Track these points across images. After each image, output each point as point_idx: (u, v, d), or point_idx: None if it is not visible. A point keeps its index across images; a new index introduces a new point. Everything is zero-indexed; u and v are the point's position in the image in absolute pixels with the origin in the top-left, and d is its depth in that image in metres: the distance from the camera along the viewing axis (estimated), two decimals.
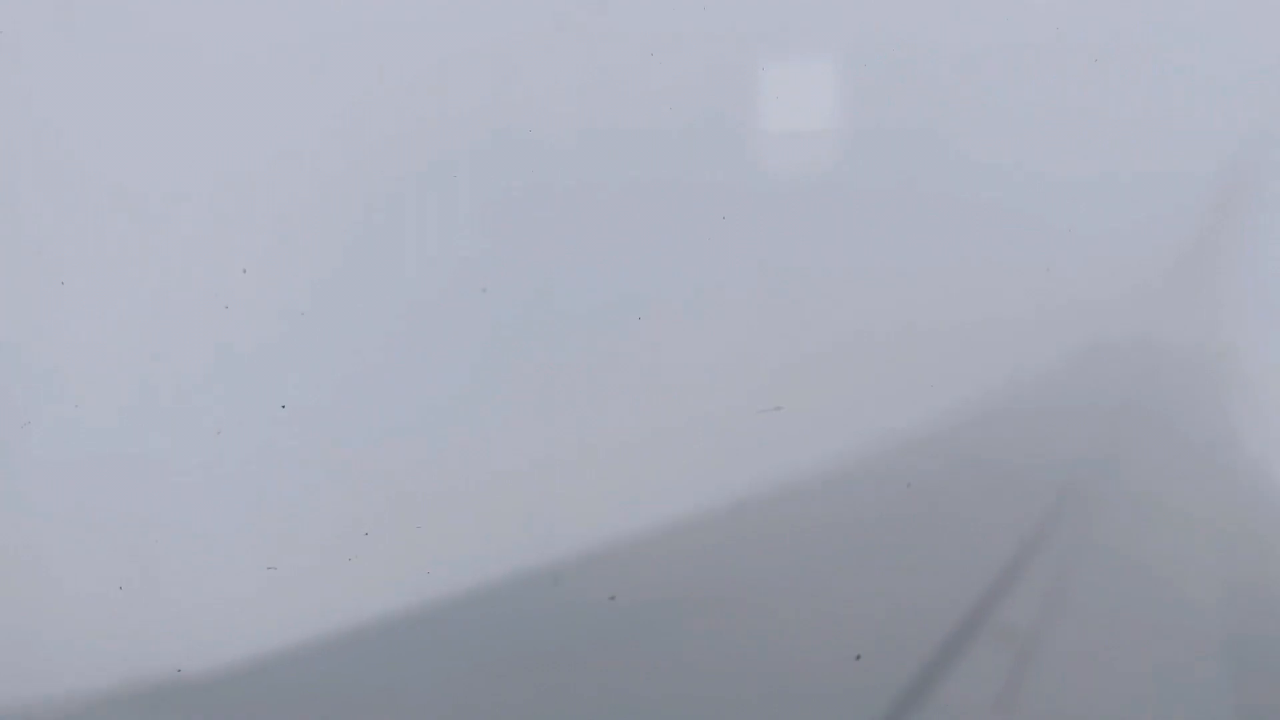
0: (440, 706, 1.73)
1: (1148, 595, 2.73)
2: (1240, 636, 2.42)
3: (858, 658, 1.98)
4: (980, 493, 3.70)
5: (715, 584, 2.51)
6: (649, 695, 1.79)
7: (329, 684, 1.77)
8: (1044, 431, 5.14)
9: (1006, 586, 2.48)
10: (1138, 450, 4.90)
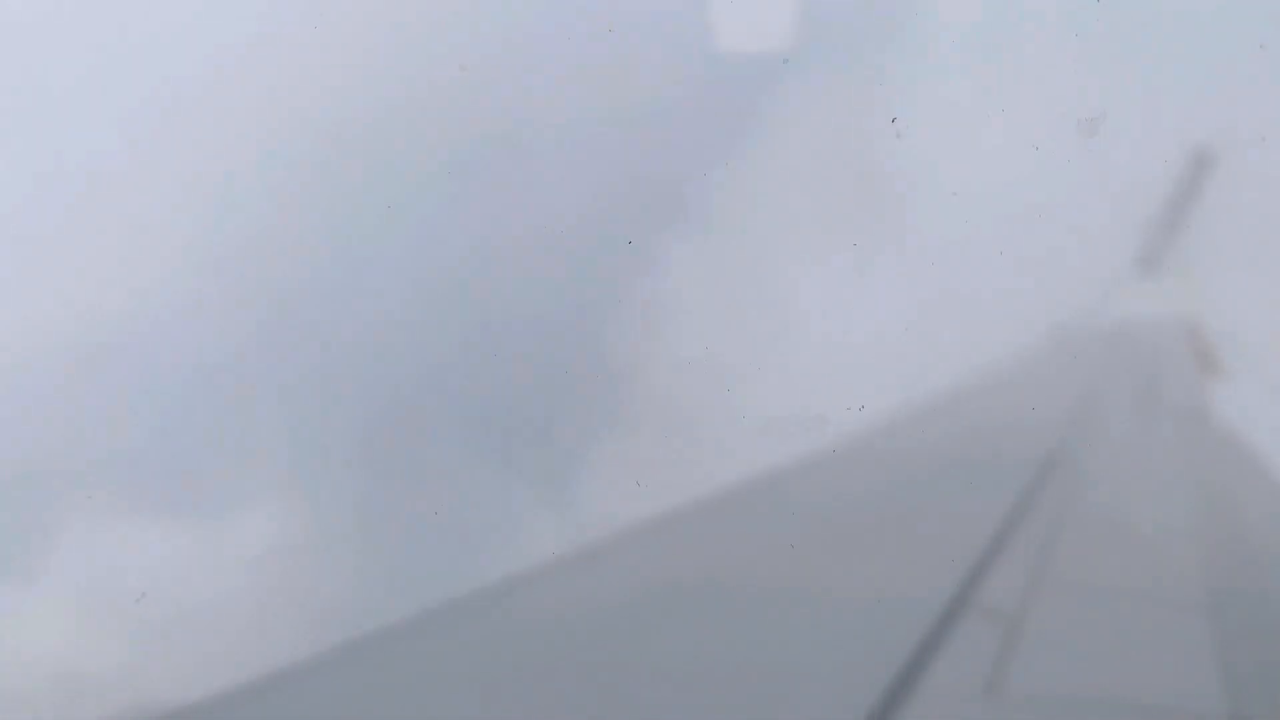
0: (429, 714, 1.72)
1: (1131, 567, 2.75)
2: (1224, 603, 2.44)
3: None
4: (959, 472, 3.72)
5: (696, 573, 2.51)
6: (633, 688, 1.79)
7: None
8: (1022, 407, 5.18)
9: (990, 566, 2.49)
10: (1116, 423, 4.94)
